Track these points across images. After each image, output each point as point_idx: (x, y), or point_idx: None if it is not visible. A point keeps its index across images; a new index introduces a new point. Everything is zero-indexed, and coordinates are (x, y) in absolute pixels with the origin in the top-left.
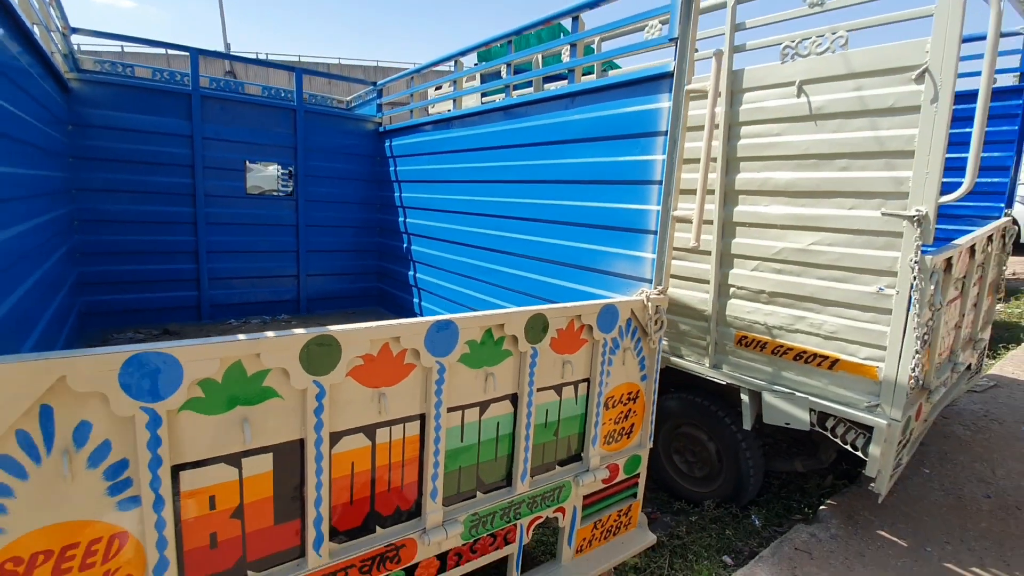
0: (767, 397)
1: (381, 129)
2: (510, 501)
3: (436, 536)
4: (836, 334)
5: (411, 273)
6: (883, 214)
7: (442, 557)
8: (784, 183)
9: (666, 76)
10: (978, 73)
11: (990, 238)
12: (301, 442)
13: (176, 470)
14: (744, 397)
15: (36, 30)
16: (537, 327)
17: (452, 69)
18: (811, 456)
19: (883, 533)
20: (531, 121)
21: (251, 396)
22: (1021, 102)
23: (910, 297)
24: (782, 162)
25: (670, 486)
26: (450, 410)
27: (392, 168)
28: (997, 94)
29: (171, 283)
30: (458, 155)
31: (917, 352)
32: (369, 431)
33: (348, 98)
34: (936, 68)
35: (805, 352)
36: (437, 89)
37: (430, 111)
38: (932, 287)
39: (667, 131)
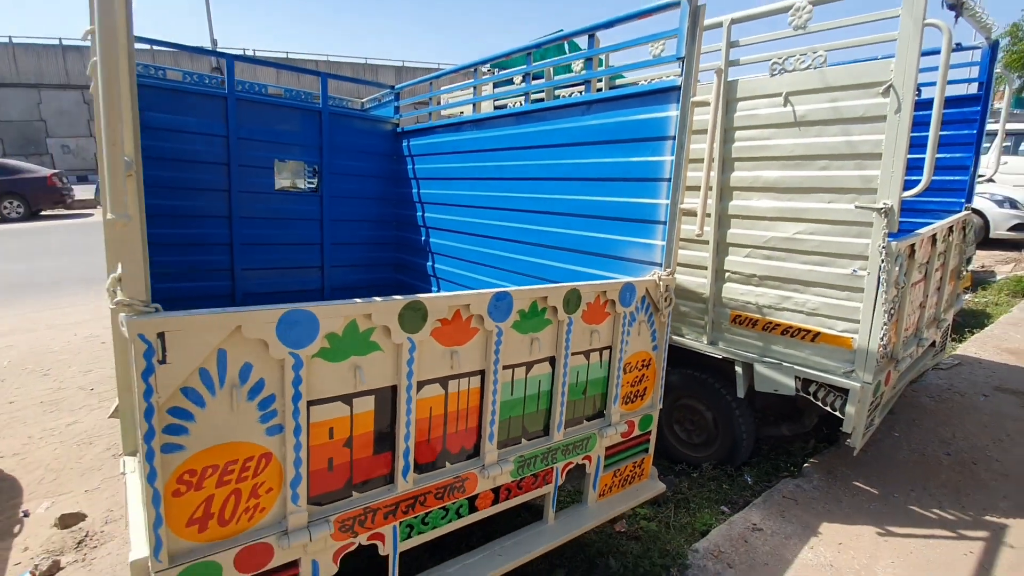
0: (758, 368)
1: (399, 130)
2: (548, 447)
3: (492, 472)
4: (817, 311)
5: (429, 264)
6: (856, 207)
7: (496, 491)
8: (772, 180)
9: (674, 89)
10: (957, 80)
11: (951, 229)
12: (394, 388)
13: (308, 405)
14: (738, 369)
15: None
16: (573, 300)
17: (471, 74)
18: (796, 422)
19: (858, 484)
20: (551, 125)
21: (361, 348)
22: (979, 108)
23: (879, 278)
24: (771, 162)
25: (671, 453)
26: (504, 368)
27: (410, 166)
28: (959, 101)
29: (207, 272)
30: (479, 155)
31: (885, 324)
32: (443, 382)
33: (363, 100)
34: (899, 84)
35: (791, 327)
36: (450, 95)
37: (450, 113)
38: (897, 269)
39: (675, 136)
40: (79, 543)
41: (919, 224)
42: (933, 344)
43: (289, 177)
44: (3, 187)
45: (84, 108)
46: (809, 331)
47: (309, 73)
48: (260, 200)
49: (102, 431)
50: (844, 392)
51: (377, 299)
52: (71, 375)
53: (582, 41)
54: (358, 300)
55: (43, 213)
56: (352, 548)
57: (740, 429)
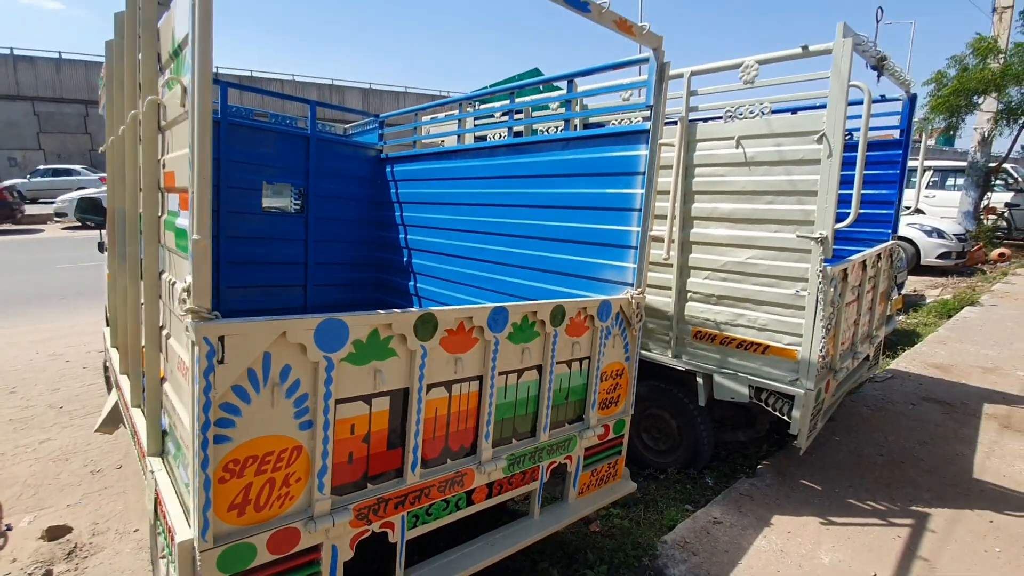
0: (717, 378)
1: (383, 156)
2: (535, 447)
3: (488, 468)
4: (766, 326)
5: (410, 283)
6: (797, 236)
7: (490, 486)
8: (727, 211)
9: (644, 132)
10: (884, 127)
11: (879, 256)
12: (406, 390)
13: (336, 404)
14: (699, 380)
15: None
16: (558, 315)
17: (455, 106)
18: (750, 428)
19: (804, 481)
20: (532, 157)
21: (381, 353)
22: (901, 152)
23: (817, 297)
24: (726, 196)
25: (640, 459)
26: (499, 374)
27: (393, 191)
28: (884, 146)
29: None
30: (462, 182)
31: (823, 338)
32: (448, 385)
33: (347, 126)
34: (830, 134)
35: (744, 341)
36: (431, 119)
37: (431, 142)
38: (832, 290)
39: (645, 171)
40: (69, 554)
41: (852, 252)
42: (867, 358)
43: (276, 198)
44: None
45: (34, 120)
46: (760, 344)
47: (300, 101)
48: (248, 220)
49: (78, 448)
50: (790, 398)
51: (396, 311)
52: (38, 393)
53: (562, 84)
54: (381, 311)
55: None
56: (366, 535)
57: (702, 435)
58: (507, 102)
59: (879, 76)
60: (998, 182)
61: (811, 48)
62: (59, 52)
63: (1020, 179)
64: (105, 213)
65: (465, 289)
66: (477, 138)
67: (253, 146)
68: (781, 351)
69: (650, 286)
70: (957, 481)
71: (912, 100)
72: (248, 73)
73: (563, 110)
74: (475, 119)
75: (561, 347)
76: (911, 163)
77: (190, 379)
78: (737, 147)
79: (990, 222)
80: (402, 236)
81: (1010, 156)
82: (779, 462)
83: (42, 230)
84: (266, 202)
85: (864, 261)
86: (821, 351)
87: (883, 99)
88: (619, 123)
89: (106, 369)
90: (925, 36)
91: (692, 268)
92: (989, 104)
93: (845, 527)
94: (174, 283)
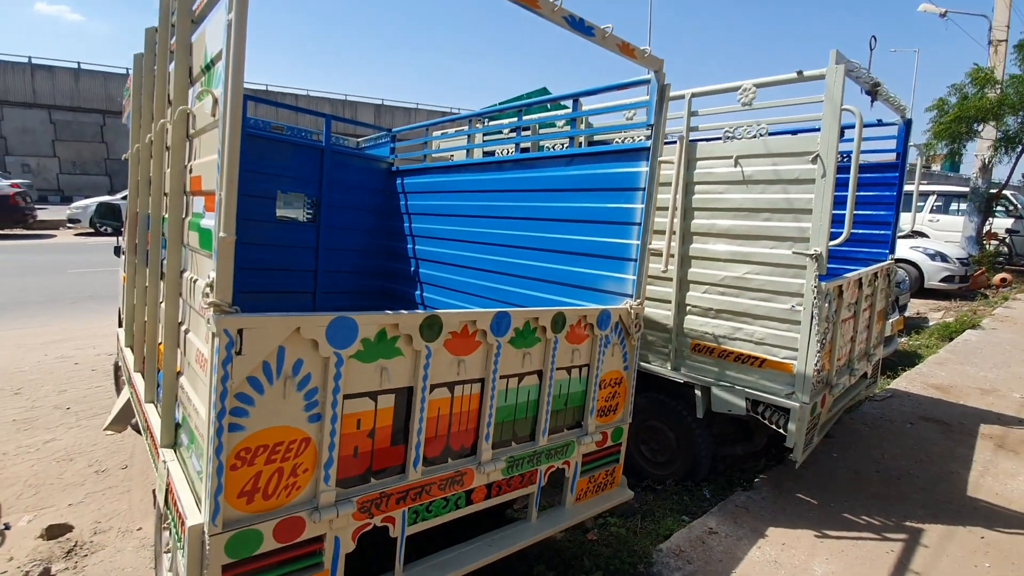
0: (715, 391)
1: (393, 168)
2: (534, 451)
3: (487, 468)
4: (763, 340)
5: (417, 292)
6: (793, 252)
7: (489, 487)
8: (725, 228)
9: (645, 150)
10: (882, 151)
11: (876, 275)
12: (411, 389)
13: (344, 398)
14: (697, 392)
15: None
16: (559, 321)
17: (464, 122)
18: (748, 442)
19: (800, 495)
20: (537, 172)
21: (388, 352)
22: (897, 174)
23: (812, 312)
24: (724, 212)
25: (638, 471)
26: (501, 377)
27: (403, 202)
28: (881, 168)
29: None
30: (470, 195)
31: (818, 352)
32: (451, 386)
33: (359, 139)
34: (824, 155)
35: (742, 355)
36: (441, 134)
37: (440, 156)
38: (827, 305)
39: (645, 187)
40: (68, 552)
41: (848, 270)
42: (865, 376)
43: (290, 207)
44: None
45: (50, 128)
46: (757, 358)
47: (315, 115)
48: (262, 228)
49: (83, 448)
50: (786, 411)
51: (403, 312)
52: (44, 394)
53: (567, 103)
54: (389, 312)
55: (1, 233)
56: (368, 528)
57: (699, 448)
58: (515, 119)
59: (872, 101)
60: (999, 208)
61: (806, 73)
62: (78, 63)
63: (1020, 206)
64: (122, 218)
65: (470, 299)
66: (485, 153)
67: (269, 156)
68: (777, 365)
69: (650, 299)
70: (951, 498)
71: (907, 125)
72: (264, 87)
73: (568, 128)
74: (483, 135)
75: (561, 353)
76: (908, 187)
77: (208, 369)
78: (735, 166)
79: (992, 247)
80: (410, 246)
81: (1010, 183)
82: (776, 476)
83: (54, 235)
84: (280, 211)
85: (860, 279)
86: (816, 365)
87: (879, 123)
88: (622, 141)
89: (117, 370)
90: (928, 64)
91: (691, 282)
92: (988, 132)
93: (839, 540)
94: (196, 280)
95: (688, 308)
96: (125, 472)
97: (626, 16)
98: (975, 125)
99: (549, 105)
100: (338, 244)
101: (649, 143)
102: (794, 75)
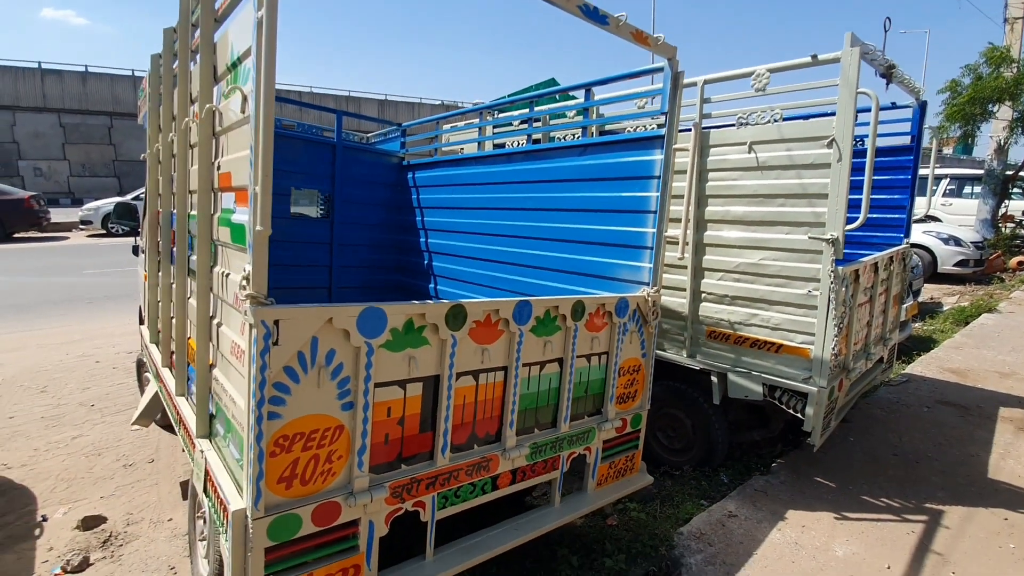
0: (731, 377)
1: (405, 163)
2: (556, 437)
3: (512, 455)
4: (780, 326)
5: (431, 286)
6: (809, 237)
7: (513, 472)
8: (740, 214)
9: (659, 138)
10: (896, 133)
11: (891, 259)
12: (437, 377)
13: (374, 387)
14: (714, 379)
15: None
16: (579, 310)
17: (474, 115)
18: (765, 428)
19: (819, 479)
20: (551, 163)
21: (415, 342)
22: (912, 158)
23: (828, 297)
24: (738, 199)
25: (655, 457)
26: (523, 365)
27: (415, 196)
28: (896, 151)
29: None
30: (483, 187)
31: (835, 337)
32: (475, 375)
33: (368, 135)
34: (839, 139)
35: (758, 340)
36: (455, 134)
37: (451, 150)
38: (844, 290)
39: (660, 176)
40: (104, 542)
41: (864, 254)
42: (881, 360)
43: (304, 204)
44: None
45: (60, 131)
46: (773, 343)
47: (326, 111)
48: (276, 224)
49: (109, 443)
50: (804, 396)
51: (429, 302)
52: (69, 392)
53: (579, 94)
54: (415, 302)
55: (17, 235)
56: (400, 513)
57: (716, 434)
58: (526, 111)
59: (888, 84)
60: (1015, 190)
61: (820, 57)
62: (85, 66)
63: None
64: (139, 218)
65: (484, 290)
66: (496, 145)
67: (282, 153)
68: (794, 350)
69: (665, 287)
70: (971, 481)
71: (922, 107)
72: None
73: (580, 118)
74: (493, 127)
75: (581, 341)
76: (923, 171)
77: (247, 360)
78: (749, 152)
79: (1008, 230)
80: (423, 240)
81: None
82: (793, 461)
83: (67, 237)
84: (294, 207)
85: (876, 263)
86: (834, 349)
87: (894, 106)
88: (634, 129)
89: (140, 367)
90: (939, 45)
91: (706, 269)
92: (1004, 112)
93: (859, 522)
94: (228, 275)
95: (703, 295)
96: (152, 466)
97: (625, 4)
98: (990, 106)
99: (558, 96)
100: (351, 239)
101: (664, 131)
102: (808, 59)
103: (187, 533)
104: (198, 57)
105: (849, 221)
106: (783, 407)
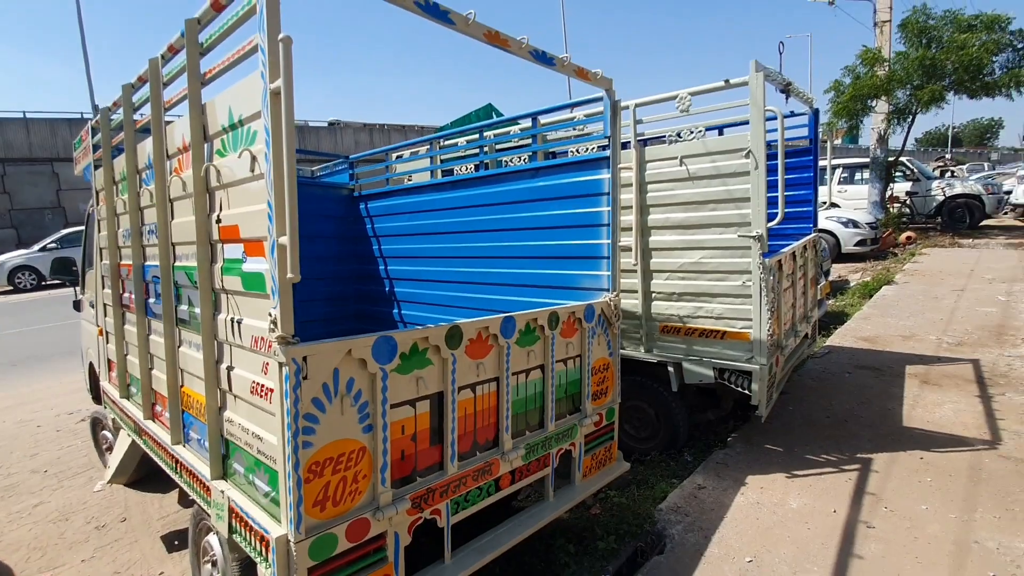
0: (685, 365)
1: (356, 194)
2: (545, 436)
3: (510, 456)
4: (722, 315)
5: (394, 311)
6: (739, 236)
7: (512, 473)
8: (679, 220)
9: (605, 159)
10: (796, 137)
11: (804, 247)
12: (441, 393)
13: (390, 408)
14: (670, 369)
15: None
16: (554, 320)
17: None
18: (717, 407)
19: (769, 446)
20: (508, 186)
21: (421, 363)
22: (811, 157)
23: (760, 286)
24: (676, 206)
25: (625, 447)
26: (512, 374)
27: (369, 226)
28: (798, 153)
29: None
30: (440, 212)
31: (769, 320)
32: (472, 387)
33: (315, 168)
34: (755, 149)
35: (705, 330)
36: (398, 157)
37: (404, 178)
38: (771, 278)
39: (609, 192)
40: None
41: (783, 246)
42: (807, 336)
43: None
44: None
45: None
46: (718, 331)
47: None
48: None
49: (74, 507)
50: (748, 374)
51: (431, 326)
52: (16, 460)
53: (526, 123)
54: (419, 327)
55: None
56: (420, 522)
57: (677, 419)
58: (475, 137)
59: (787, 98)
60: (898, 174)
61: (732, 81)
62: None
63: (915, 170)
64: (76, 272)
65: (450, 311)
66: (444, 173)
67: None
68: (736, 335)
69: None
70: (891, 430)
71: (815, 113)
72: None
73: (531, 142)
74: (441, 158)
75: (558, 347)
76: (821, 163)
77: (277, 396)
78: (681, 165)
79: (895, 210)
80: (381, 268)
81: (904, 150)
82: (746, 433)
83: None
84: None
85: (793, 252)
86: (768, 331)
87: (792, 115)
88: (577, 152)
89: (95, 426)
90: (821, 50)
91: (654, 271)
92: (881, 106)
93: (806, 478)
94: (240, 320)
95: (654, 295)
96: (125, 524)
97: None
98: (869, 101)
99: (513, 129)
100: (309, 274)
101: (608, 152)
102: (722, 83)
103: None
104: (182, 116)
105: (769, 218)
106: (732, 386)
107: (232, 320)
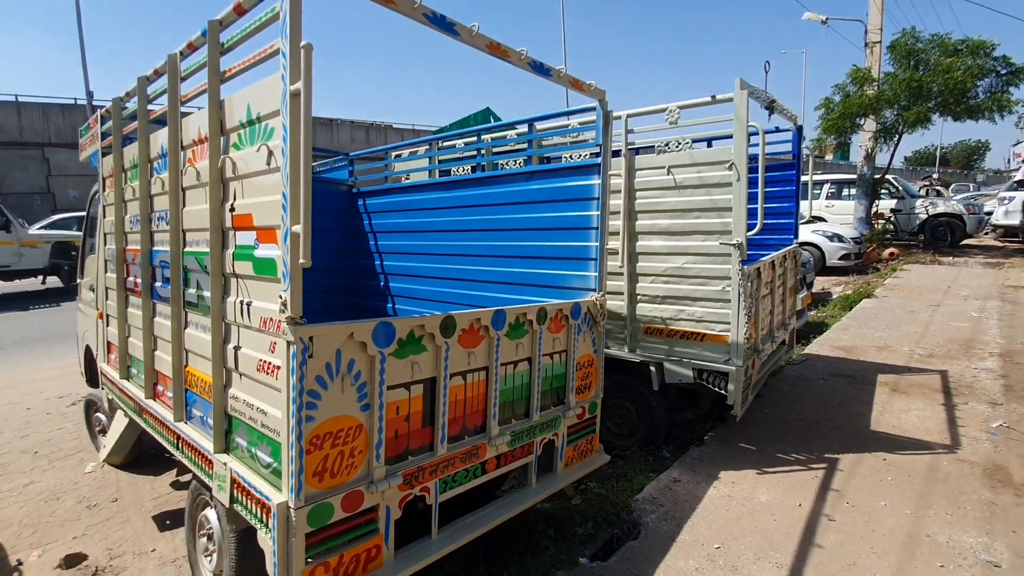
0: (667, 365)
1: (355, 191)
2: (530, 425)
3: (496, 442)
4: (702, 318)
5: (388, 306)
6: (720, 243)
7: (498, 458)
8: (665, 226)
9: (596, 165)
10: (780, 152)
11: (784, 257)
12: (434, 379)
13: (387, 389)
14: (652, 368)
15: None
16: (543, 315)
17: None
18: (696, 406)
19: (742, 445)
20: (504, 188)
21: (416, 349)
22: (794, 172)
23: (738, 292)
24: (662, 213)
25: (606, 443)
26: (501, 364)
27: (367, 222)
28: (781, 167)
29: None
30: (437, 211)
31: (746, 324)
32: (463, 375)
33: (315, 163)
34: (738, 162)
35: (686, 332)
36: (397, 156)
37: (404, 177)
38: (749, 285)
39: (599, 197)
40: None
41: (764, 255)
42: (784, 343)
43: None
44: None
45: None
46: (698, 334)
47: None
48: None
49: (66, 488)
50: (726, 375)
51: (427, 314)
52: (7, 441)
53: (523, 128)
54: (416, 315)
55: None
56: (410, 498)
57: (657, 417)
58: (473, 139)
59: (770, 115)
60: (883, 191)
61: (718, 97)
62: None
63: (900, 188)
64: (76, 256)
65: (443, 307)
66: (442, 173)
67: None
68: (715, 337)
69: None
70: (859, 433)
71: (799, 130)
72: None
73: (525, 146)
74: (439, 159)
75: (545, 342)
76: (804, 178)
77: (283, 374)
78: (668, 174)
79: (880, 226)
80: (377, 263)
81: (891, 168)
82: (721, 433)
83: None
84: None
85: (773, 261)
86: (746, 334)
87: (777, 130)
88: (570, 158)
89: (89, 408)
90: (815, 66)
91: (639, 275)
92: (869, 124)
93: (775, 474)
94: (249, 303)
95: (638, 297)
96: (117, 504)
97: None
98: (857, 119)
99: (509, 133)
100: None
101: (599, 160)
102: (708, 99)
103: (186, 556)
104: (200, 110)
105: (749, 228)
106: (710, 387)
107: (242, 302)
